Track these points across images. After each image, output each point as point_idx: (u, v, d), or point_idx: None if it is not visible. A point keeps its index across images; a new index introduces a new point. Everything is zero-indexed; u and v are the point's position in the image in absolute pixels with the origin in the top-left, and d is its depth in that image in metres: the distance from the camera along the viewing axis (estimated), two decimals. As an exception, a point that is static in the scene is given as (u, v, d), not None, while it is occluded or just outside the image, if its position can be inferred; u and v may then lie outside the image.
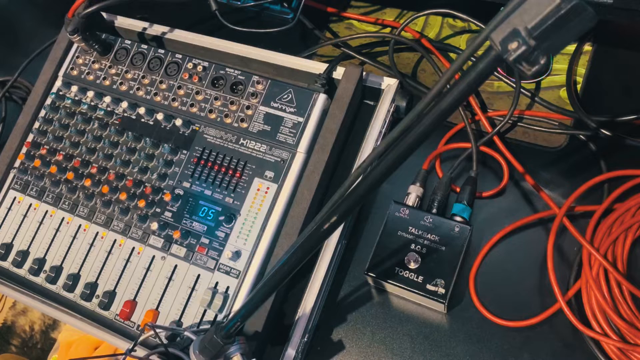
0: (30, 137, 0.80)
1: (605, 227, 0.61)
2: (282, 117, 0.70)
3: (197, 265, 0.67)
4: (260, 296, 0.48)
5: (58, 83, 0.81)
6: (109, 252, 0.71)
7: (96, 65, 0.80)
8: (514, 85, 0.73)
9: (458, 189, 0.68)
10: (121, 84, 0.78)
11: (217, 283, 0.66)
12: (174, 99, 0.75)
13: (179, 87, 0.75)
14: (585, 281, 0.60)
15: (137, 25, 0.84)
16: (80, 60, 0.81)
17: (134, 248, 0.70)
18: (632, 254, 0.61)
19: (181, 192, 0.71)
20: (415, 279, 0.62)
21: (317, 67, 0.73)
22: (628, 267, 0.60)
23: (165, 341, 0.64)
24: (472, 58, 0.34)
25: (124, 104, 0.76)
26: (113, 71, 0.79)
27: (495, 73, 0.75)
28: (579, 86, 0.73)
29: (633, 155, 0.67)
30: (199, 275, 0.67)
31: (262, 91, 0.72)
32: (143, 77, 0.77)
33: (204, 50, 0.79)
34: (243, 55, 0.77)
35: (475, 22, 0.76)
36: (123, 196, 0.71)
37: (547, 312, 0.61)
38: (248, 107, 0.72)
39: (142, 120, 0.75)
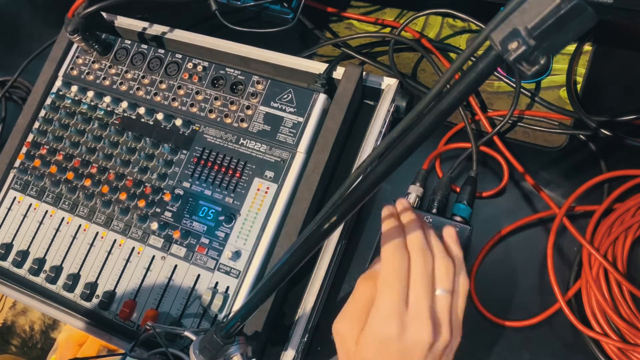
0: (30, 137, 0.80)
1: (605, 227, 0.61)
2: (282, 117, 0.70)
3: (197, 265, 0.67)
4: (260, 296, 0.48)
5: (58, 83, 0.81)
6: (109, 252, 0.71)
7: (96, 65, 0.80)
8: (514, 85, 0.73)
9: (458, 189, 0.68)
10: (121, 84, 0.78)
11: (217, 283, 0.66)
12: (174, 99, 0.75)
13: (179, 87, 0.75)
14: (585, 281, 0.60)
15: (137, 25, 0.84)
16: (80, 60, 0.81)
17: (134, 248, 0.70)
18: (632, 254, 0.61)
19: (181, 192, 0.71)
20: (415, 279, 0.62)
21: (317, 67, 0.73)
22: (628, 267, 0.60)
23: (165, 341, 0.64)
24: (472, 58, 0.34)
25: (124, 104, 0.76)
26: (113, 71, 0.79)
27: (495, 73, 0.75)
28: (579, 86, 0.73)
29: (633, 155, 0.67)
30: (199, 275, 0.67)
31: (262, 91, 0.72)
32: (143, 77, 0.77)
33: (204, 50, 0.79)
34: (243, 55, 0.77)
35: (475, 22, 0.76)
36: (123, 196, 0.71)
37: (547, 312, 0.61)
38: (248, 107, 0.72)
39: (142, 120, 0.75)
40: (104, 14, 0.84)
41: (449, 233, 0.52)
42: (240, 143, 0.71)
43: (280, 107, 0.71)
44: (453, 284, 0.48)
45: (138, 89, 0.77)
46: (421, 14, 0.79)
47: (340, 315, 0.50)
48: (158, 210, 0.71)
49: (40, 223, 0.75)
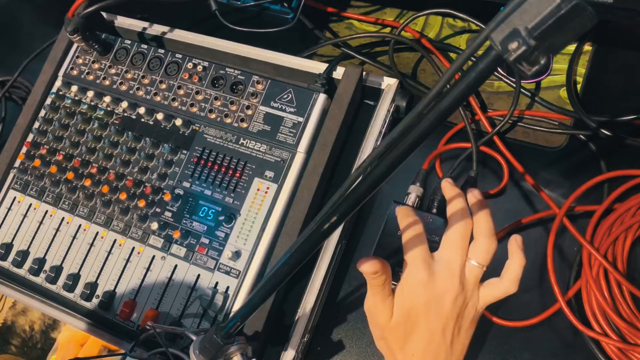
0: (30, 137, 0.80)
1: (605, 227, 0.61)
2: (282, 117, 0.70)
3: (197, 265, 0.67)
4: (260, 296, 0.48)
5: (58, 83, 0.81)
6: (109, 252, 0.71)
7: (96, 65, 0.80)
8: (514, 85, 0.73)
9: (458, 189, 0.68)
10: (121, 83, 0.78)
11: (217, 283, 0.66)
12: (174, 99, 0.75)
13: (179, 87, 0.75)
14: (585, 281, 0.60)
15: (137, 25, 0.84)
16: (80, 60, 0.81)
17: (134, 248, 0.70)
18: (632, 254, 0.61)
19: (181, 192, 0.71)
20: (415, 279, 0.61)
21: (317, 67, 0.73)
22: (628, 267, 0.60)
23: (165, 341, 0.64)
24: (472, 58, 0.34)
25: (124, 104, 0.76)
26: (113, 71, 0.79)
27: (495, 73, 0.75)
28: (579, 86, 0.73)
29: (633, 155, 0.67)
30: (199, 275, 0.67)
31: (262, 91, 0.72)
32: (143, 77, 0.77)
33: (204, 50, 0.79)
34: (243, 55, 0.77)
35: (475, 22, 0.76)
36: (123, 196, 0.71)
37: (547, 312, 0.61)
38: (248, 107, 0.72)
39: (142, 120, 0.75)
40: (104, 14, 0.84)
41: (515, 239, 0.52)
42: (240, 143, 0.71)
43: (280, 107, 0.71)
44: (488, 262, 0.50)
45: (138, 88, 0.77)
46: (421, 14, 0.79)
47: (369, 293, 0.52)
48: (158, 210, 0.71)
49: (40, 223, 0.75)
